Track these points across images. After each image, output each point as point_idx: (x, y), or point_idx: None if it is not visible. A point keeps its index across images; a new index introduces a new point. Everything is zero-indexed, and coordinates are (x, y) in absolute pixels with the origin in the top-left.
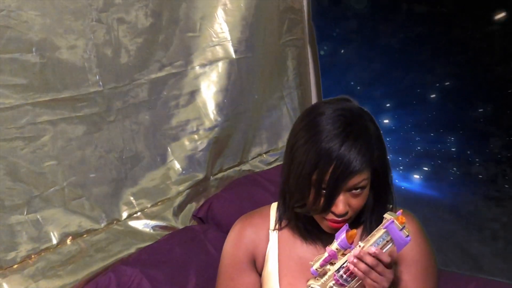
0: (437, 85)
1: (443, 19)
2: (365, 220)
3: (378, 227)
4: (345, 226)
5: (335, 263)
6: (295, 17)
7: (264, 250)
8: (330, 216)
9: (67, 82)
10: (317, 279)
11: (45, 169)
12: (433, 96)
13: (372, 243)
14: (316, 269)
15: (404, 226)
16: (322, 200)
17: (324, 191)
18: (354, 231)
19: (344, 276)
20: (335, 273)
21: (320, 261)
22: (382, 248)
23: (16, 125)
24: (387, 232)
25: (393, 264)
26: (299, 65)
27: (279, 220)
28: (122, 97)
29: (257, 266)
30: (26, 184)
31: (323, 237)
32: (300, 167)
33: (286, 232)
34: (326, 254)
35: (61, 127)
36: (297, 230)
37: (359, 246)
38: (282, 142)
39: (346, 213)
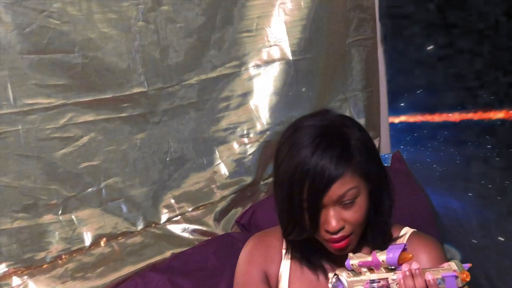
0: None
1: None
2: (367, 235)
3: (438, 267)
4: (404, 245)
5: (373, 271)
6: (364, 16)
7: (277, 270)
8: (327, 236)
9: (110, 82)
10: (348, 274)
11: (82, 170)
12: None
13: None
14: (352, 264)
15: (465, 285)
16: (304, 218)
17: (307, 209)
18: (410, 255)
19: None
20: (369, 281)
21: (360, 260)
22: None
23: (56, 125)
24: (443, 280)
25: None
26: (367, 66)
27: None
28: (168, 98)
29: (270, 284)
30: (62, 184)
31: (329, 260)
32: (280, 189)
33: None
34: (369, 258)
35: (103, 127)
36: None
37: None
38: None
39: (342, 228)
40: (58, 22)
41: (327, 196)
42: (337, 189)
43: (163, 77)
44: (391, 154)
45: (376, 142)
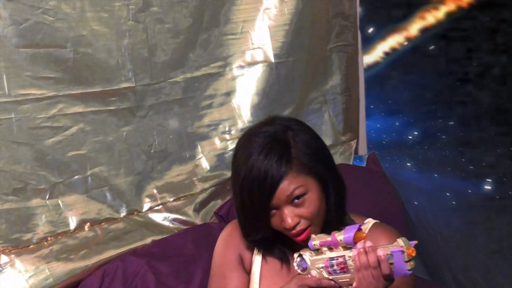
0: None
1: None
2: (328, 223)
3: (387, 245)
4: (359, 225)
5: (333, 250)
6: (346, 23)
7: (251, 254)
8: (288, 231)
9: (99, 77)
10: (311, 254)
11: (70, 158)
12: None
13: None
14: (314, 244)
15: (411, 259)
16: (257, 220)
17: (259, 211)
18: (364, 235)
19: (335, 267)
20: (328, 259)
21: (321, 241)
22: None
23: (47, 115)
24: (391, 255)
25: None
26: (347, 71)
27: None
28: (155, 94)
29: (245, 267)
30: (50, 171)
31: (292, 249)
32: (235, 197)
33: None
34: (329, 238)
35: (91, 119)
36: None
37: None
38: None
39: (298, 223)
40: (53, 19)
41: (275, 197)
42: (283, 190)
43: (150, 74)
44: (367, 156)
45: (353, 143)
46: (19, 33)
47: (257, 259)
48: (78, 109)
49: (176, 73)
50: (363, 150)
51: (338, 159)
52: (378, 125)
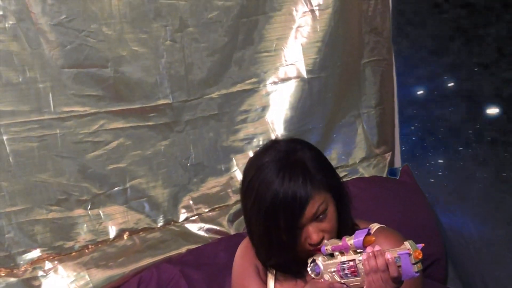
0: None
1: None
2: (341, 232)
3: (395, 249)
4: (368, 229)
5: (344, 254)
6: (379, 39)
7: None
8: (311, 247)
9: (138, 94)
10: (324, 258)
11: (110, 171)
12: None
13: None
14: (326, 249)
15: (418, 261)
16: (283, 244)
17: (287, 233)
18: (373, 238)
19: (346, 270)
20: (340, 263)
21: (333, 245)
22: None
23: (89, 131)
24: (399, 258)
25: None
26: (381, 85)
27: None
28: (191, 109)
29: (261, 276)
30: (92, 183)
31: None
32: (256, 225)
33: None
34: (340, 243)
35: (130, 134)
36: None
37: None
38: (353, 160)
39: (322, 238)
40: (95, 41)
41: (304, 218)
42: (310, 209)
43: (187, 91)
44: (400, 168)
45: (387, 156)
46: (64, 55)
47: (271, 275)
48: (118, 124)
49: (212, 90)
50: (397, 162)
51: (371, 171)
52: (414, 138)
